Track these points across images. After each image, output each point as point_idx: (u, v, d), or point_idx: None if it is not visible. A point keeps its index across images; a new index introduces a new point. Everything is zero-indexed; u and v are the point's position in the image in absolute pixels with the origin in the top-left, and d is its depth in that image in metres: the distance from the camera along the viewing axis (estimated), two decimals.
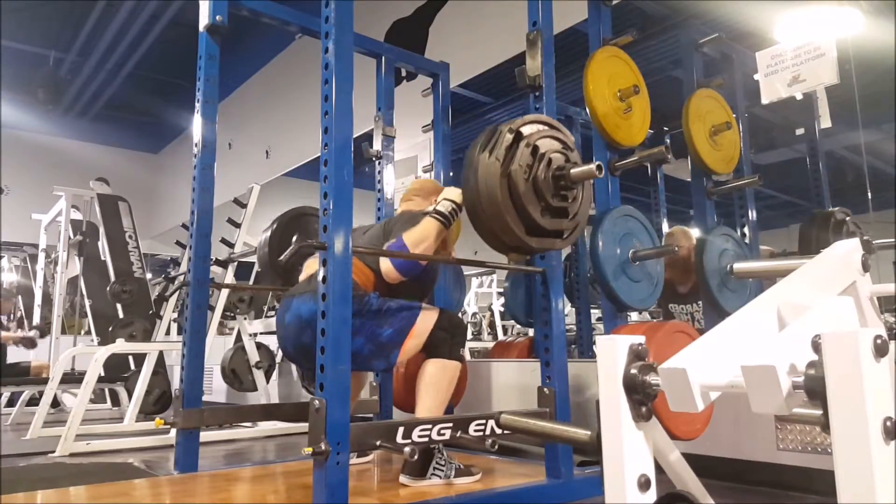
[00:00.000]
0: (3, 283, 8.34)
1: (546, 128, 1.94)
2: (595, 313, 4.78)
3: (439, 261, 2.77)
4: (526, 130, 1.88)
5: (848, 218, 3.08)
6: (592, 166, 1.83)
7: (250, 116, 7.50)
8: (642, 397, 0.87)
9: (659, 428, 0.92)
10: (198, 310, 2.49)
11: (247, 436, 3.92)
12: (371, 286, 2.16)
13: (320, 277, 1.72)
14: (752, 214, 3.06)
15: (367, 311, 2.07)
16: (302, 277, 2.35)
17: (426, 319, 2.14)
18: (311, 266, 2.31)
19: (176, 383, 3.14)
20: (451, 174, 3.17)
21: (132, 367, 4.92)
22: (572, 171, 1.86)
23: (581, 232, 2.04)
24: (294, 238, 2.88)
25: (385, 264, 2.13)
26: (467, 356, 4.58)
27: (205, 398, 2.55)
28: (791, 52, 2.88)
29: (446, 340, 2.16)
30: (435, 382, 2.13)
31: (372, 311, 2.07)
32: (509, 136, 1.84)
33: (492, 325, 8.74)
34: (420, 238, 2.10)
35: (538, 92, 2.26)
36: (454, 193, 2.17)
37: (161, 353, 4.44)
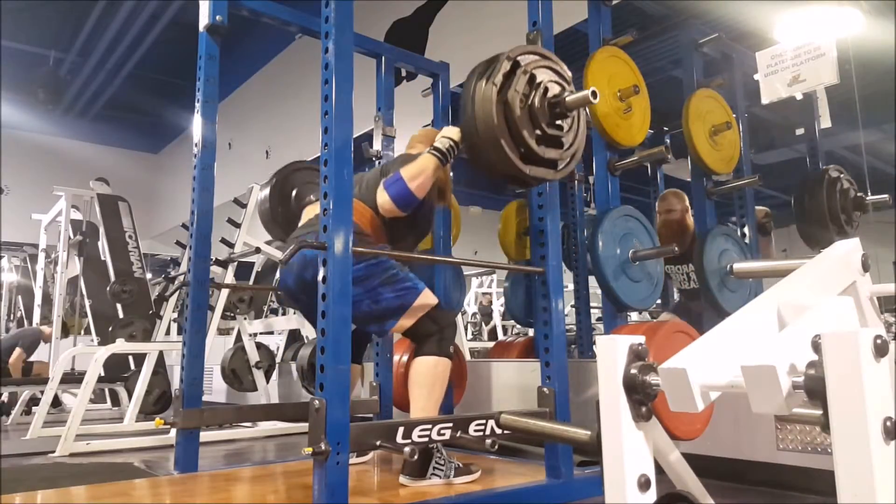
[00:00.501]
0: (4, 283, 8.35)
1: (544, 59, 1.96)
2: (595, 313, 4.78)
3: (440, 262, 2.77)
4: (524, 60, 1.90)
5: (842, 175, 3.09)
6: (587, 92, 1.85)
7: (250, 116, 7.50)
8: (642, 397, 0.87)
9: (659, 428, 0.92)
10: (198, 310, 2.49)
11: (247, 436, 3.92)
12: (370, 225, 2.16)
13: (320, 277, 1.72)
14: (752, 214, 3.06)
15: (376, 268, 2.07)
16: (302, 222, 2.37)
17: (426, 299, 2.14)
18: (311, 210, 2.31)
19: (176, 383, 3.14)
20: (452, 174, 3.17)
21: (132, 367, 4.93)
22: (567, 98, 1.89)
23: (575, 165, 2.07)
24: (293, 192, 2.89)
25: (382, 197, 2.13)
26: (467, 356, 4.59)
27: (205, 398, 2.55)
28: (791, 52, 2.88)
29: (435, 335, 2.16)
30: (426, 381, 2.13)
31: (378, 266, 2.08)
32: (507, 64, 1.86)
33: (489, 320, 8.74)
34: (417, 171, 2.10)
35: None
36: (452, 131, 2.17)
37: (161, 353, 4.44)
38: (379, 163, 3.13)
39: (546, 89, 1.89)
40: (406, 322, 2.13)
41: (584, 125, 2.07)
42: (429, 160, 2.12)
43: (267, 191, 2.91)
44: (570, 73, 2.02)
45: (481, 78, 1.87)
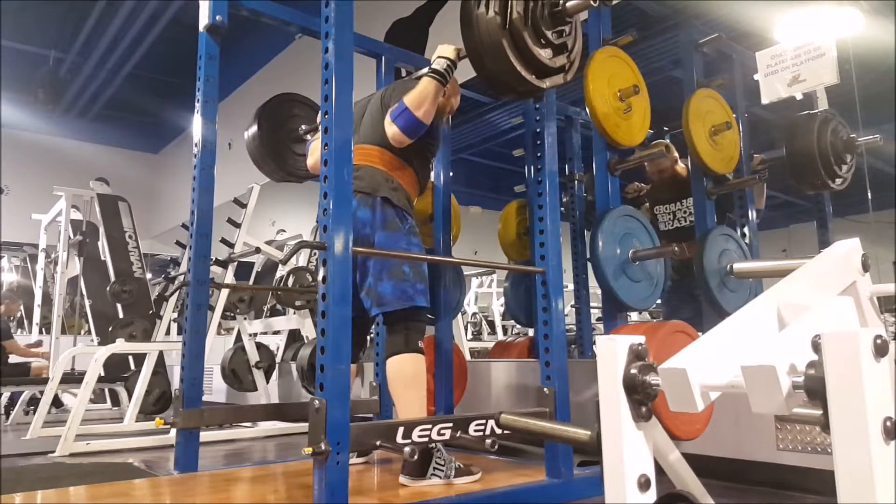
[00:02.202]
0: (4, 283, 8.35)
1: None
2: (595, 313, 4.78)
3: (440, 262, 2.77)
4: None
5: (834, 117, 3.07)
6: None
7: (250, 116, 7.48)
8: (642, 397, 0.87)
9: (659, 428, 0.92)
10: (198, 310, 2.49)
11: (247, 436, 3.92)
12: (379, 162, 2.23)
13: (320, 277, 1.72)
14: (752, 214, 3.06)
15: (395, 244, 2.15)
16: (310, 162, 2.43)
17: (413, 310, 2.20)
18: (317, 150, 2.31)
19: (176, 383, 3.14)
20: (451, 174, 3.17)
21: (132, 367, 4.93)
22: (567, 4, 1.92)
23: (578, 65, 2.11)
24: (282, 126, 2.90)
25: (391, 129, 2.17)
26: (467, 356, 4.59)
27: (205, 398, 2.55)
28: (791, 52, 2.88)
29: (400, 332, 2.18)
30: (400, 382, 2.14)
31: (399, 247, 2.16)
32: None
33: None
34: (420, 98, 2.13)
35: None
36: (448, 50, 2.19)
37: (161, 353, 4.44)
38: None
39: None
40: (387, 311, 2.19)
41: (580, 27, 2.11)
42: (429, 84, 2.14)
43: (255, 126, 2.91)
44: None
45: (479, 3, 1.87)
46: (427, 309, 2.29)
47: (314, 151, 2.37)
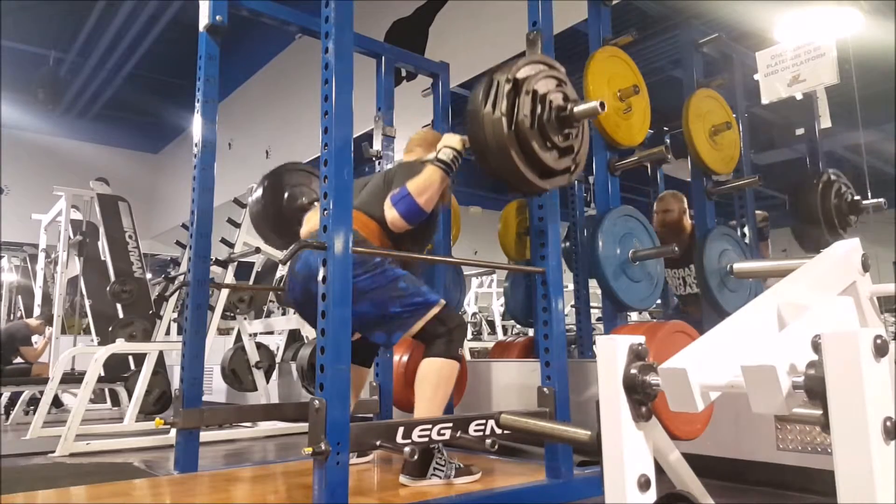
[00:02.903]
0: (4, 283, 8.35)
1: (541, 67, 1.96)
2: (595, 313, 4.78)
3: (440, 262, 2.77)
4: (522, 75, 1.90)
5: (839, 178, 3.09)
6: (595, 104, 1.87)
7: (250, 116, 7.49)
8: (642, 397, 0.87)
9: (659, 428, 0.92)
10: (198, 310, 2.49)
11: (247, 436, 3.92)
12: (376, 238, 2.16)
13: (320, 277, 1.72)
14: (752, 214, 3.06)
15: (380, 277, 2.06)
16: (304, 232, 2.36)
17: (436, 310, 2.13)
18: (313, 220, 2.30)
19: (176, 383, 3.14)
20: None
21: (132, 367, 4.92)
22: (575, 110, 1.90)
23: (584, 165, 2.09)
24: (286, 194, 2.88)
25: (391, 213, 2.13)
26: (467, 356, 4.58)
27: (205, 398, 2.55)
28: (791, 52, 2.88)
29: (443, 337, 2.15)
30: (431, 382, 2.12)
31: (385, 278, 2.07)
32: (508, 86, 1.86)
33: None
34: (424, 186, 2.11)
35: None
36: (455, 140, 2.17)
37: (161, 353, 4.44)
38: (379, 163, 3.13)
39: (551, 102, 1.89)
40: (413, 331, 2.12)
41: (587, 125, 2.09)
42: (435, 173, 2.12)
43: (259, 192, 2.90)
44: (563, 70, 2.03)
45: (486, 104, 1.86)
46: (447, 305, 2.27)
47: (308, 221, 2.36)
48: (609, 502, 0.86)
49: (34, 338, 6.12)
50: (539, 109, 1.87)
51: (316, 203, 2.57)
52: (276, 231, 2.89)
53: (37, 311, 6.39)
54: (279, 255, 4.86)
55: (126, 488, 2.30)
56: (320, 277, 1.72)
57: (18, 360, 5.94)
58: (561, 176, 1.98)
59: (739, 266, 1.82)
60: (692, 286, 3.44)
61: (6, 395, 5.47)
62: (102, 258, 5.80)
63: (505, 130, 1.82)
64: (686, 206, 3.50)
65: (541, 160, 1.88)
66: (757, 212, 3.22)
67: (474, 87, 1.93)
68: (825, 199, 2.99)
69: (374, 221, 2.18)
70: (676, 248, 2.35)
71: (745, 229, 3.03)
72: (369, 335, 2.15)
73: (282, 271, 5.31)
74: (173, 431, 2.48)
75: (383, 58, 3.09)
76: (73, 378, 4.53)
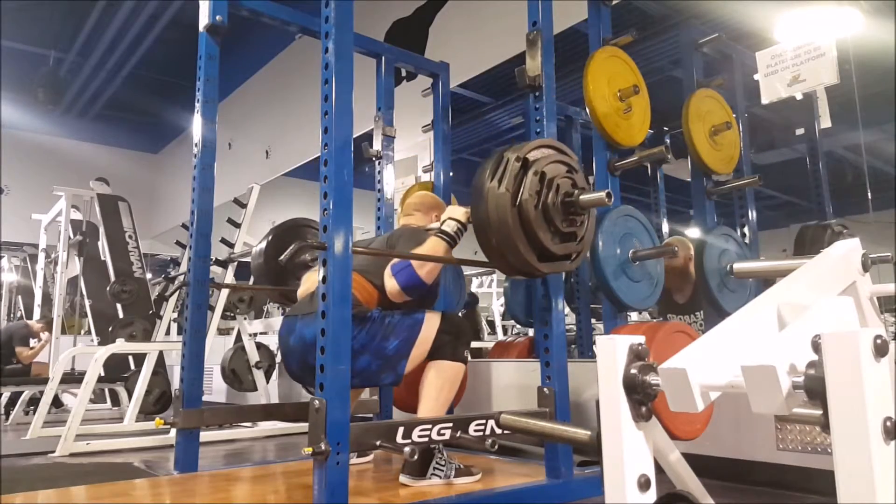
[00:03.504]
0: (4, 283, 8.35)
1: (551, 151, 1.94)
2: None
3: (438, 262, 2.77)
4: (532, 157, 1.88)
5: (844, 231, 3.08)
6: (602, 194, 1.84)
7: (250, 116, 7.50)
8: (642, 397, 0.87)
9: (659, 428, 0.92)
10: (198, 310, 2.49)
11: (247, 436, 3.92)
12: (375, 304, 2.14)
13: (320, 277, 1.72)
14: (752, 214, 3.06)
15: (371, 326, 2.05)
16: (301, 292, 2.35)
17: (430, 326, 2.13)
18: (311, 280, 2.30)
19: (176, 383, 3.14)
20: (452, 174, 3.17)
21: (132, 367, 4.92)
22: (581, 197, 1.88)
23: (587, 253, 2.07)
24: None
25: (390, 283, 2.09)
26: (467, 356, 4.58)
27: (205, 398, 2.55)
28: (791, 52, 2.88)
29: (450, 342, 2.16)
30: (438, 384, 2.13)
31: (375, 325, 2.06)
32: (517, 165, 1.84)
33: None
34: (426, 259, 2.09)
35: (538, 92, 2.26)
36: (459, 213, 2.16)
37: (161, 353, 4.43)
38: (379, 163, 3.13)
39: (558, 186, 1.87)
40: (418, 354, 2.11)
41: (594, 214, 2.06)
42: (437, 244, 2.10)
43: (263, 244, 2.90)
44: (576, 158, 2.00)
45: (492, 178, 1.84)
46: (456, 316, 2.25)
47: (307, 281, 2.36)
48: (609, 502, 0.86)
49: (32, 341, 6.12)
50: (545, 192, 1.85)
51: (315, 265, 2.54)
52: (277, 284, 2.89)
53: (37, 311, 6.39)
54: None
55: (126, 488, 2.30)
56: (320, 277, 1.72)
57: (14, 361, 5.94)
58: (561, 262, 1.94)
59: (739, 266, 1.82)
60: (701, 331, 3.41)
61: (6, 395, 5.46)
62: (102, 258, 5.80)
63: (508, 207, 1.80)
64: (692, 253, 3.46)
65: (541, 242, 1.84)
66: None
67: (482, 162, 1.92)
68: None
69: (374, 288, 2.15)
70: (676, 249, 2.35)
71: (745, 229, 3.03)
72: (378, 383, 2.15)
73: None
74: (173, 431, 2.48)
75: (383, 58, 3.09)
76: (73, 378, 4.53)
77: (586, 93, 2.38)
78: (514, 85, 2.30)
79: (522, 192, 1.82)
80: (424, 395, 2.14)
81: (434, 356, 2.16)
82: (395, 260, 2.12)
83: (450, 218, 2.15)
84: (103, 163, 9.46)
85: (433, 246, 2.10)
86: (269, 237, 2.92)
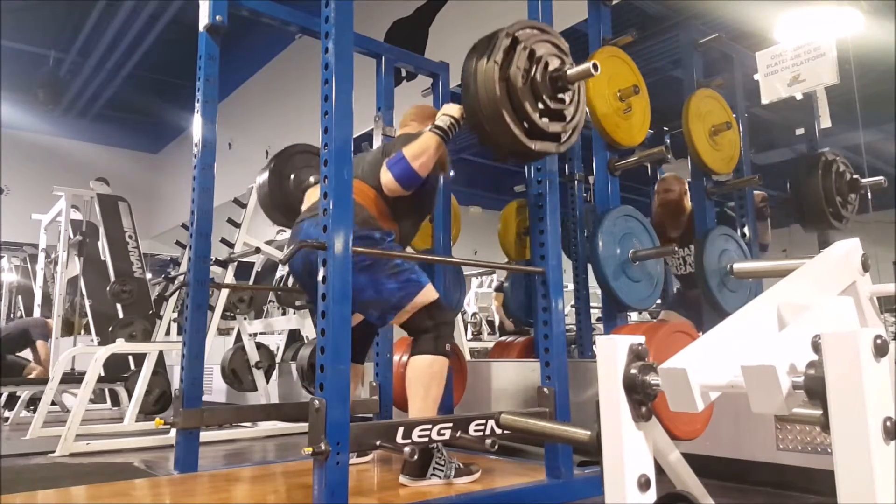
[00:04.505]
0: (4, 283, 8.35)
1: (542, 33, 1.97)
2: (595, 313, 4.78)
3: (440, 262, 2.77)
4: (522, 35, 1.91)
5: (837, 158, 3.10)
6: (588, 65, 1.87)
7: (250, 116, 7.49)
8: (642, 397, 0.87)
9: (659, 428, 0.92)
10: (198, 310, 2.49)
11: (247, 436, 3.92)
12: (373, 205, 2.18)
13: (320, 277, 1.72)
14: (752, 214, 3.06)
15: (382, 257, 2.09)
16: (304, 207, 2.39)
17: (426, 295, 2.15)
18: (313, 194, 2.33)
19: (176, 383, 3.14)
20: (452, 174, 3.17)
21: (132, 367, 4.92)
22: (568, 71, 1.90)
23: (576, 138, 2.07)
24: (292, 176, 2.90)
25: (385, 177, 2.15)
26: (467, 356, 4.59)
27: (205, 398, 2.55)
28: (791, 52, 2.88)
29: (430, 332, 2.16)
30: (422, 380, 2.13)
31: (385, 259, 2.09)
32: (507, 41, 1.86)
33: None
34: (419, 150, 2.12)
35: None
36: (453, 109, 2.19)
37: (161, 353, 4.43)
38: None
39: (546, 63, 1.90)
40: (404, 315, 2.14)
41: (585, 98, 2.09)
42: (431, 139, 2.14)
43: (266, 175, 2.91)
44: (567, 45, 2.03)
45: (482, 56, 1.87)
46: (447, 308, 2.27)
47: (309, 198, 2.39)
48: (609, 502, 0.86)
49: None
50: (533, 67, 1.88)
51: (315, 181, 2.58)
52: (286, 215, 2.91)
53: (37, 311, 6.39)
54: (279, 255, 4.87)
55: (126, 488, 2.30)
56: (320, 277, 1.73)
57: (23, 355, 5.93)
58: (550, 142, 1.96)
59: (739, 266, 1.82)
60: (692, 266, 3.45)
61: (6, 394, 5.46)
62: (102, 258, 5.79)
63: (496, 80, 1.83)
64: (687, 187, 3.51)
65: (529, 116, 1.87)
66: (756, 192, 3.22)
67: (473, 45, 1.95)
68: (826, 179, 2.99)
69: (371, 189, 2.20)
70: (676, 248, 2.35)
71: (745, 229, 3.03)
72: (364, 313, 2.17)
73: (282, 271, 5.31)
74: (173, 431, 2.48)
75: (383, 58, 3.09)
76: (73, 378, 4.53)
77: (586, 93, 2.38)
78: None
79: (510, 66, 1.84)
80: (412, 395, 2.15)
81: (414, 350, 2.17)
82: (391, 154, 2.17)
83: (443, 114, 2.19)
84: (103, 163, 9.47)
85: (426, 139, 2.14)
86: (271, 166, 2.93)
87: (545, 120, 1.91)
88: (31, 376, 5.64)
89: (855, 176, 3.11)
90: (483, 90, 1.85)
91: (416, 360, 2.15)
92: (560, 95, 1.94)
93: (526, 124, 1.89)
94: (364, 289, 2.06)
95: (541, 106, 1.89)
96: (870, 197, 3.47)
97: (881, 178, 3.14)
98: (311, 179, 2.80)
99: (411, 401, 2.13)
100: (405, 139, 2.27)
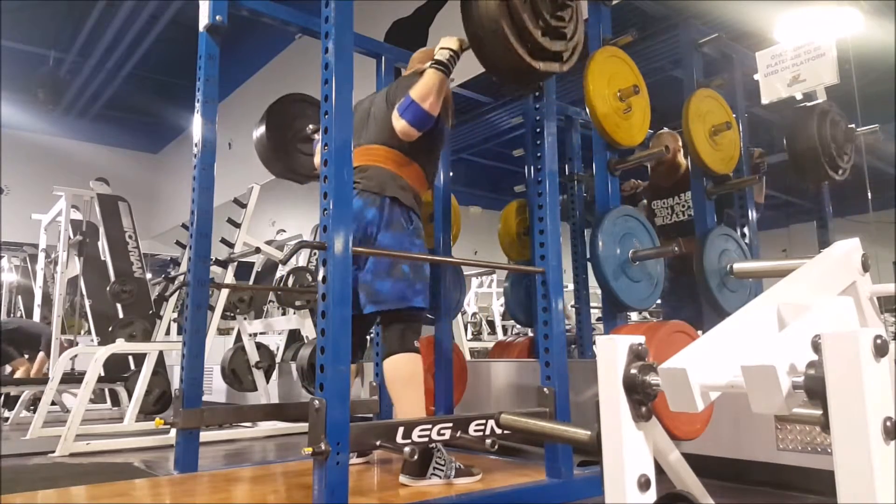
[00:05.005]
0: (4, 283, 8.35)
1: None
2: (595, 313, 4.78)
3: (440, 262, 2.77)
4: None
5: (832, 108, 3.09)
6: None
7: (250, 116, 7.47)
8: (642, 397, 0.87)
9: (659, 428, 0.92)
10: (198, 310, 2.49)
11: (247, 436, 3.92)
12: (391, 163, 2.23)
13: (320, 277, 1.72)
14: (752, 214, 3.06)
15: (402, 238, 2.17)
16: (316, 160, 2.40)
17: (411, 311, 2.20)
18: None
19: (176, 383, 3.14)
20: (451, 174, 3.17)
21: (132, 367, 4.92)
22: None
23: (577, 57, 2.10)
24: (288, 129, 2.92)
25: (399, 124, 2.18)
26: (467, 356, 4.59)
27: (205, 398, 2.55)
28: (791, 52, 2.87)
29: (398, 333, 2.19)
30: (401, 382, 2.15)
31: (406, 239, 2.17)
32: None
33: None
34: (426, 90, 2.14)
35: (538, 91, 2.26)
36: (451, 41, 2.22)
37: (161, 353, 4.43)
38: None
39: None
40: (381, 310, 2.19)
41: (582, 16, 2.12)
42: (434, 75, 2.16)
43: (262, 128, 2.92)
44: None
45: None
46: (425, 309, 2.29)
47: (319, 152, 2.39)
48: (609, 502, 0.86)
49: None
50: None
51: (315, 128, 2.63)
52: (284, 160, 2.93)
53: (37, 311, 6.39)
54: (279, 255, 4.87)
55: (126, 488, 2.30)
56: (320, 277, 1.73)
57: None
58: (553, 62, 1.98)
59: (739, 266, 1.82)
60: (680, 214, 3.46)
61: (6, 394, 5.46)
62: (102, 258, 5.79)
63: (496, 2, 1.84)
64: (681, 144, 3.51)
65: (531, 35, 1.89)
66: (754, 149, 3.22)
67: None
68: (821, 129, 2.99)
69: (381, 147, 2.25)
70: (677, 249, 2.35)
71: (746, 229, 3.02)
72: (369, 282, 2.20)
73: (282, 271, 5.31)
74: (173, 431, 2.48)
75: (383, 58, 3.09)
76: (73, 378, 4.53)
77: (586, 93, 2.38)
78: None
79: None
80: (395, 399, 2.17)
81: (384, 353, 2.19)
82: (400, 101, 2.20)
83: (442, 48, 2.21)
84: (103, 163, 9.46)
85: (429, 77, 2.16)
86: (266, 117, 2.94)
87: (547, 38, 1.93)
88: (16, 375, 5.64)
89: (850, 125, 3.10)
90: (485, 13, 1.87)
91: (386, 365, 2.18)
92: (559, 13, 1.96)
93: (529, 44, 1.91)
94: (367, 267, 2.13)
95: (541, 24, 1.92)
96: (870, 197, 3.48)
97: (875, 126, 3.13)
98: (310, 127, 2.89)
99: (395, 403, 2.17)
100: (407, 81, 2.30)
